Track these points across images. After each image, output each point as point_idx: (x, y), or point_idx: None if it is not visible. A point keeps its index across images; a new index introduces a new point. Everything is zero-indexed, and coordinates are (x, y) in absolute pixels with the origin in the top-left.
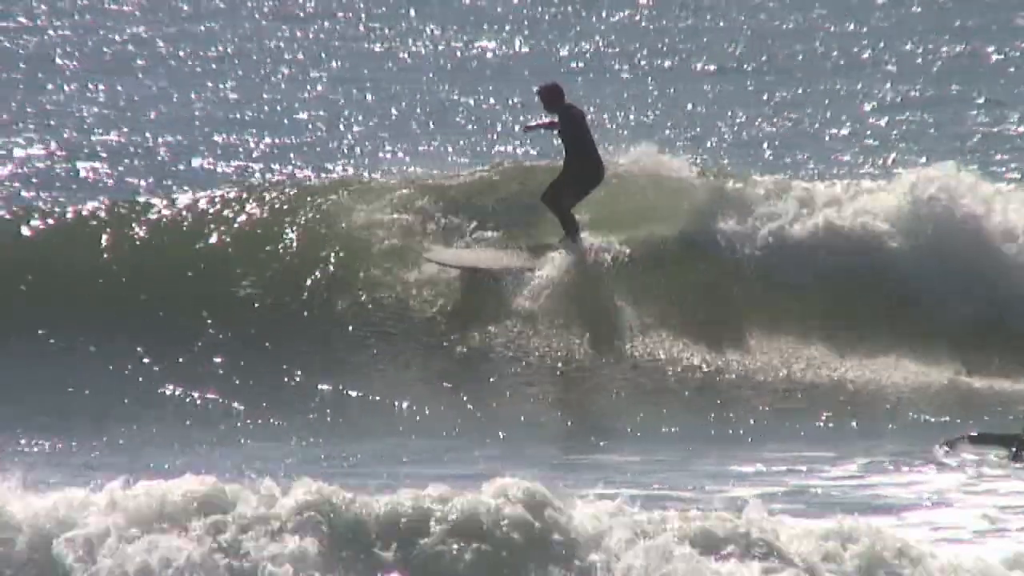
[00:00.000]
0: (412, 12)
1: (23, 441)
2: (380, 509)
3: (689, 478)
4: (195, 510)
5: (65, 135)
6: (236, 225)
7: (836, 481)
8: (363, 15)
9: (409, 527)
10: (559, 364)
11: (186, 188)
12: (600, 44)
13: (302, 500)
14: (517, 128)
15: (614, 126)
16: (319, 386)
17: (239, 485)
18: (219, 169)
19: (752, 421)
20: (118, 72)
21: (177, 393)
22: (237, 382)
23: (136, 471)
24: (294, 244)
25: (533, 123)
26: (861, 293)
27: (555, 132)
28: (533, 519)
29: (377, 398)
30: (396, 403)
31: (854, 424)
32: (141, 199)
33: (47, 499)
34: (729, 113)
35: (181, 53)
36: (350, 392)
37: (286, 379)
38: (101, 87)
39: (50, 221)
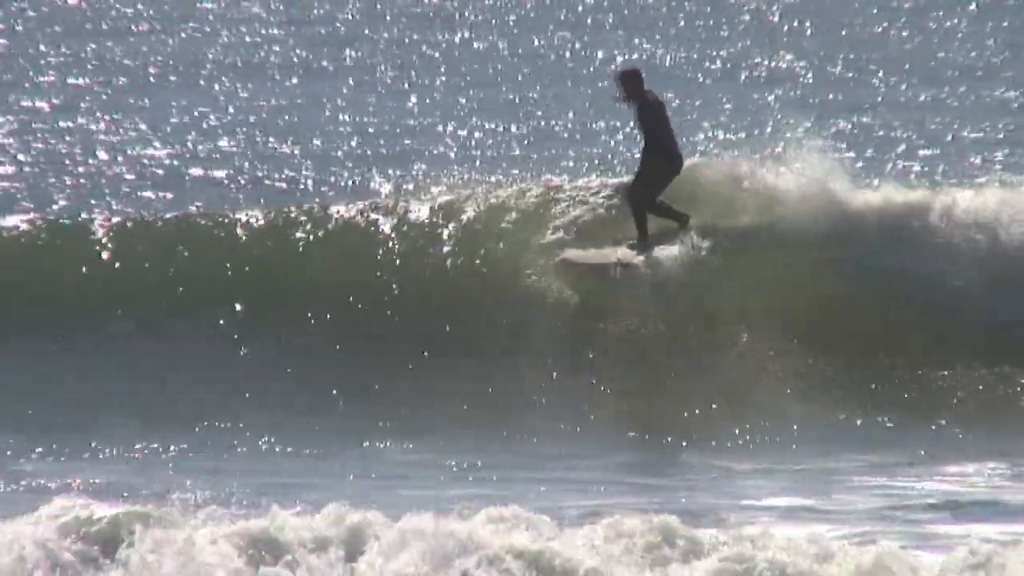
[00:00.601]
0: (547, 18)
1: (141, 445)
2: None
3: (825, 487)
4: None
5: (191, 141)
6: (359, 221)
7: (969, 489)
8: (494, 21)
9: None
10: (677, 357)
11: (313, 188)
12: (731, 49)
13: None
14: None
15: (758, 133)
16: (442, 386)
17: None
18: (345, 173)
19: (873, 424)
20: (249, 76)
21: (296, 393)
22: (357, 381)
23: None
24: (423, 244)
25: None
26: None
27: (633, 116)
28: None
29: (504, 397)
30: (523, 402)
31: (958, 431)
32: (274, 203)
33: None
34: (864, 118)
35: (322, 60)
36: (476, 388)
37: (408, 379)
38: (236, 89)
39: (177, 222)
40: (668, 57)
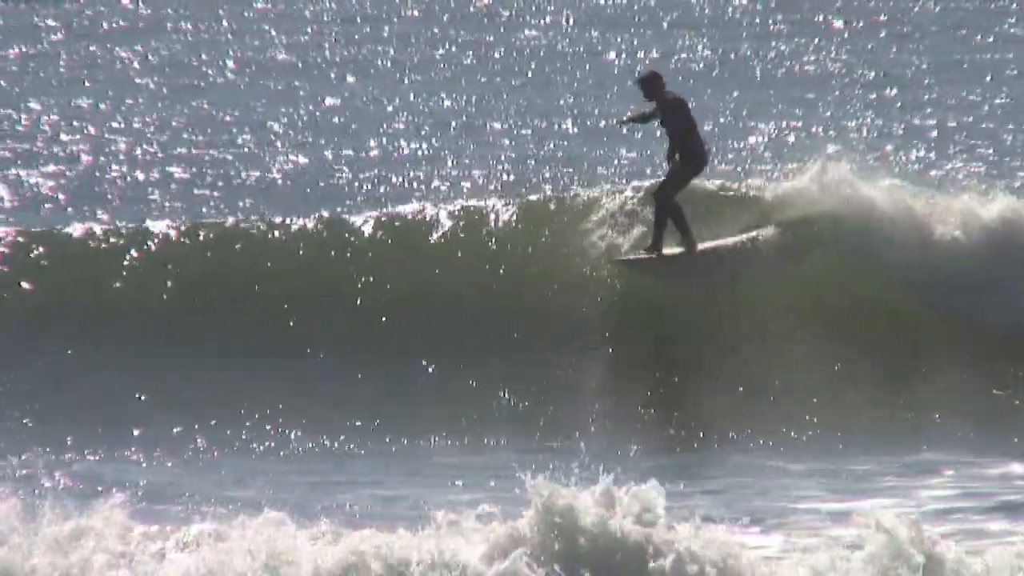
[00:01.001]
0: (599, 18)
1: (194, 445)
2: None
3: (878, 489)
4: None
5: (256, 145)
6: (410, 220)
7: (1019, 489)
8: (547, 21)
9: None
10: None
11: (370, 187)
12: (793, 49)
13: None
14: (615, 122)
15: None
16: (490, 386)
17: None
18: (397, 172)
19: (921, 426)
20: (306, 76)
21: (363, 398)
22: (406, 381)
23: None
24: (475, 243)
25: (629, 115)
26: None
27: (656, 123)
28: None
29: (552, 396)
30: (574, 403)
31: (1007, 433)
32: (343, 211)
33: None
34: (919, 119)
35: (377, 59)
36: (521, 388)
37: (460, 379)
38: (291, 88)
39: (244, 228)
40: (723, 56)
